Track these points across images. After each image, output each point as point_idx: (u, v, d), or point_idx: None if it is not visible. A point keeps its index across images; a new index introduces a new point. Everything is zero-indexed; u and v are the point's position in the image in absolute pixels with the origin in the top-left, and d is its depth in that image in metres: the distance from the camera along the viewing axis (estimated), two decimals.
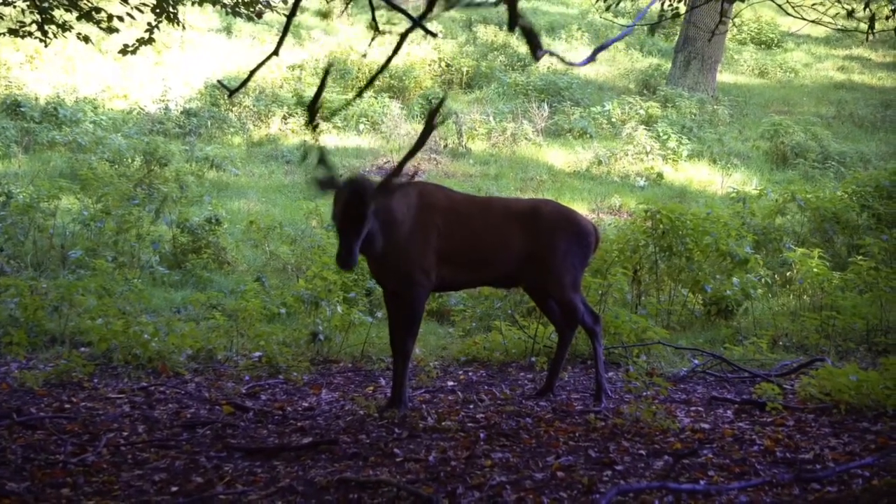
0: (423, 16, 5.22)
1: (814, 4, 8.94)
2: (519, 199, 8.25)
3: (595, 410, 7.02)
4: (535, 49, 5.52)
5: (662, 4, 9.01)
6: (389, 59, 5.41)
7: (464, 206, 7.10)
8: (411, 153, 5.69)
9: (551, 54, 5.97)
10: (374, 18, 6.44)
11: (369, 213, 6.29)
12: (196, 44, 22.79)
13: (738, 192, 14.10)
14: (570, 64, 6.91)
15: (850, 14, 7.82)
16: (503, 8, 5.62)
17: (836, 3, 7.85)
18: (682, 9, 8.99)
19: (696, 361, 8.73)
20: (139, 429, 6.53)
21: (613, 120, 20.57)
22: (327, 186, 6.35)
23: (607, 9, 8.35)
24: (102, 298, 9.32)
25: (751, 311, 10.31)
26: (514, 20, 4.93)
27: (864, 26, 7.83)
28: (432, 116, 5.36)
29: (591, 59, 7.23)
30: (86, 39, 9.41)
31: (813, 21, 8.46)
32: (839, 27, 8.65)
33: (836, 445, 6.21)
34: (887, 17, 8.02)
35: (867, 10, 7.61)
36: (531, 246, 7.09)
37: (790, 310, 10.46)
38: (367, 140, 19.24)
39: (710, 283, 10.35)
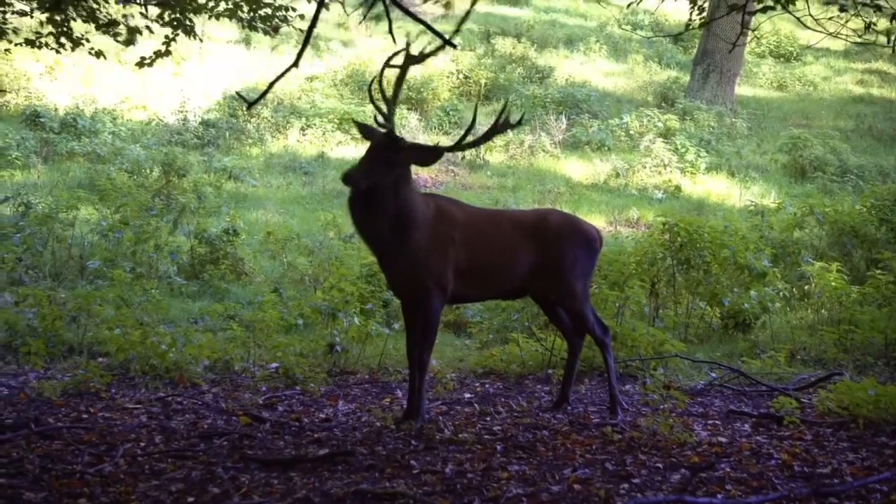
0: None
1: (832, 17, 8.88)
2: (525, 210, 8.27)
3: (612, 423, 7.00)
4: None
5: (691, 14, 8.95)
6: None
7: (477, 220, 7.13)
8: (476, 141, 6.98)
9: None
10: (390, 30, 6.47)
11: (395, 158, 6.50)
12: (215, 55, 22.85)
13: (756, 205, 14.09)
14: None
15: (868, 28, 7.74)
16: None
17: (857, 17, 7.78)
18: (696, 19, 8.94)
19: (714, 375, 8.69)
20: (156, 439, 6.55)
21: (631, 132, 20.53)
22: (366, 132, 6.74)
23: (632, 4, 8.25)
24: (120, 309, 9.34)
25: (768, 324, 10.27)
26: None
27: (882, 39, 7.77)
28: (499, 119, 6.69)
29: None
30: (98, 54, 9.41)
31: (832, 34, 8.41)
32: (860, 41, 8.58)
33: (854, 460, 6.19)
34: None
35: (894, 21, 7.54)
36: (540, 257, 7.09)
37: (808, 323, 10.41)
38: None
39: (728, 296, 10.31)
